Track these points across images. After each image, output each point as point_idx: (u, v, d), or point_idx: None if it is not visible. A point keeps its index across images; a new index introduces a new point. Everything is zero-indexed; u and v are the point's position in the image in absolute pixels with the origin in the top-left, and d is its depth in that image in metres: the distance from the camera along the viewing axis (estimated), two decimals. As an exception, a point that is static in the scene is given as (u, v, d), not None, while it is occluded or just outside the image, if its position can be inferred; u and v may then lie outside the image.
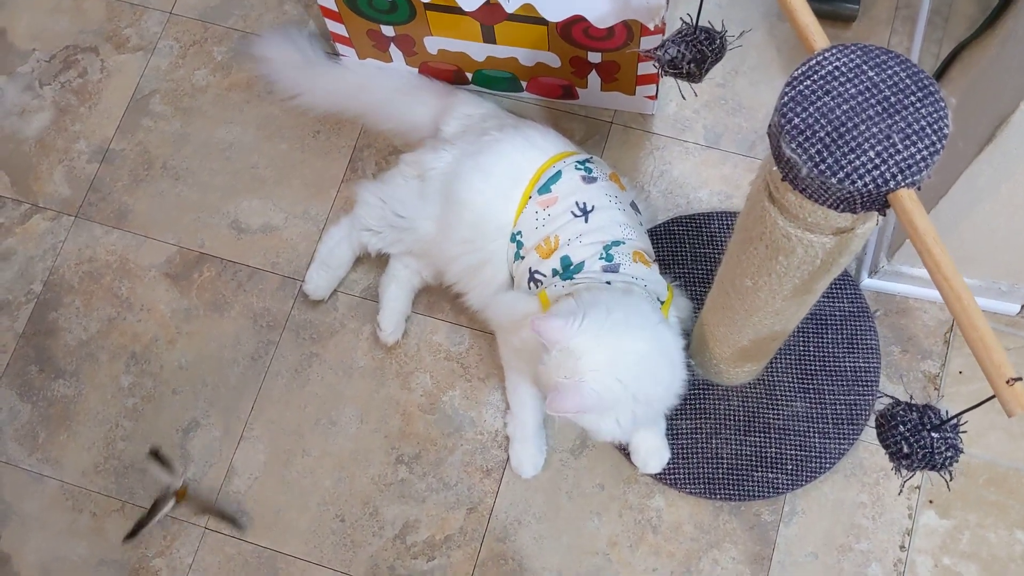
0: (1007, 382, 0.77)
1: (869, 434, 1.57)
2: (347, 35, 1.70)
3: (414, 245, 1.60)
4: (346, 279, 1.70)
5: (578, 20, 1.49)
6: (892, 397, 1.03)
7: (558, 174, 1.51)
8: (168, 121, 1.83)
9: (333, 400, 1.64)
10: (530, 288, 1.49)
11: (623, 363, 1.29)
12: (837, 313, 1.61)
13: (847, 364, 1.58)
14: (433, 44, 1.66)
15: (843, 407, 1.56)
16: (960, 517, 1.53)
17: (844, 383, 1.57)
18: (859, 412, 1.56)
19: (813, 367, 1.58)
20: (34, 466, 1.63)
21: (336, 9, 1.62)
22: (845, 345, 1.59)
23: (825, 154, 0.85)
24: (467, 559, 1.54)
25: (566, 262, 1.45)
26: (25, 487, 1.62)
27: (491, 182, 1.52)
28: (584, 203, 1.48)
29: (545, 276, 1.47)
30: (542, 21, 1.53)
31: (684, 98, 1.75)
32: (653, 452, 1.52)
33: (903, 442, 1.00)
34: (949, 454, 0.99)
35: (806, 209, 0.93)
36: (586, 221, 1.47)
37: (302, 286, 1.68)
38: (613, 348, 1.28)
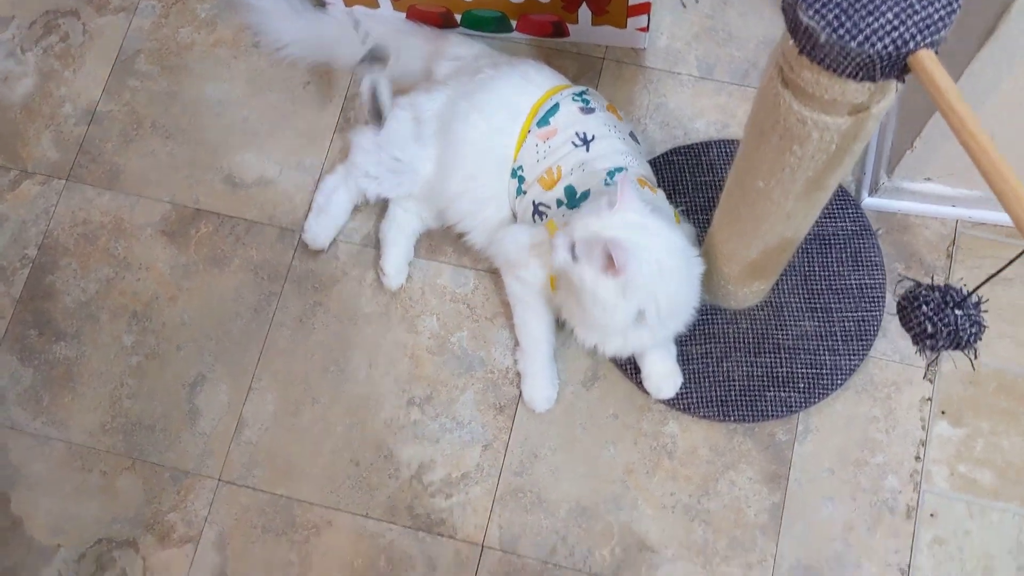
0: (1038, 226, 0.77)
1: (878, 349, 1.57)
2: (334, -21, 1.68)
3: (414, 188, 1.59)
4: (345, 228, 1.69)
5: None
6: (913, 280, 1.03)
7: (556, 107, 1.50)
8: (155, 80, 1.80)
9: (340, 347, 1.62)
10: (535, 221, 1.48)
11: (661, 246, 1.30)
12: (840, 233, 1.61)
13: (853, 282, 1.59)
14: (420, -15, 1.65)
15: (851, 324, 1.57)
16: (973, 425, 1.54)
17: (851, 300, 1.58)
18: (867, 328, 1.57)
19: (819, 287, 1.59)
20: (39, 429, 1.61)
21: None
22: (850, 263, 1.60)
23: (843, 18, 0.85)
24: (486, 494, 1.54)
25: (570, 191, 1.45)
26: (31, 450, 1.60)
27: (488, 119, 1.52)
28: (584, 133, 1.47)
29: (550, 207, 1.47)
30: (532, -49, 1.52)
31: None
32: (666, 376, 1.52)
33: (927, 322, 1.00)
34: (974, 330, 0.99)
35: (822, 85, 0.93)
36: (587, 150, 1.47)
37: (301, 236, 1.67)
38: (653, 231, 1.30)
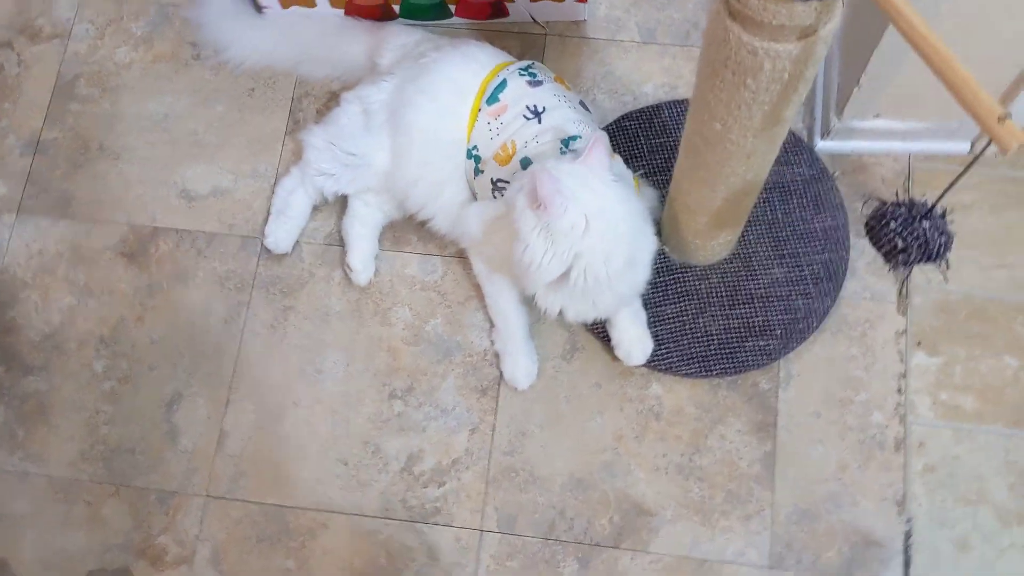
0: (998, 120, 0.77)
1: (849, 290, 1.59)
2: (267, -17, 1.67)
3: (371, 180, 1.58)
4: (307, 229, 1.67)
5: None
6: (879, 199, 1.04)
7: (503, 83, 1.50)
8: (97, 103, 1.77)
9: (315, 348, 1.61)
10: (495, 198, 1.48)
11: (601, 206, 1.30)
12: (798, 179, 1.63)
13: (816, 226, 1.60)
14: (358, -21, 1.64)
15: (820, 267, 1.58)
16: (949, 353, 1.56)
17: (817, 243, 1.59)
18: (836, 270, 1.58)
19: (784, 234, 1.60)
20: (16, 465, 1.57)
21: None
22: (812, 208, 1.61)
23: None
24: (478, 478, 1.52)
25: (526, 163, 1.44)
26: (11, 488, 1.56)
27: (437, 101, 1.51)
28: (535, 106, 1.47)
29: (508, 183, 1.46)
30: (464, -70, 1.52)
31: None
32: (635, 342, 1.52)
33: (897, 238, 1.01)
34: (943, 240, 1.01)
35: (770, 11, 0.93)
36: (539, 122, 1.46)
37: (263, 242, 1.65)
38: (601, 193, 1.31)
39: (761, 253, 1.59)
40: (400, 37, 1.68)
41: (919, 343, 1.57)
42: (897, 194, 1.02)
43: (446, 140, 1.51)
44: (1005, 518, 1.48)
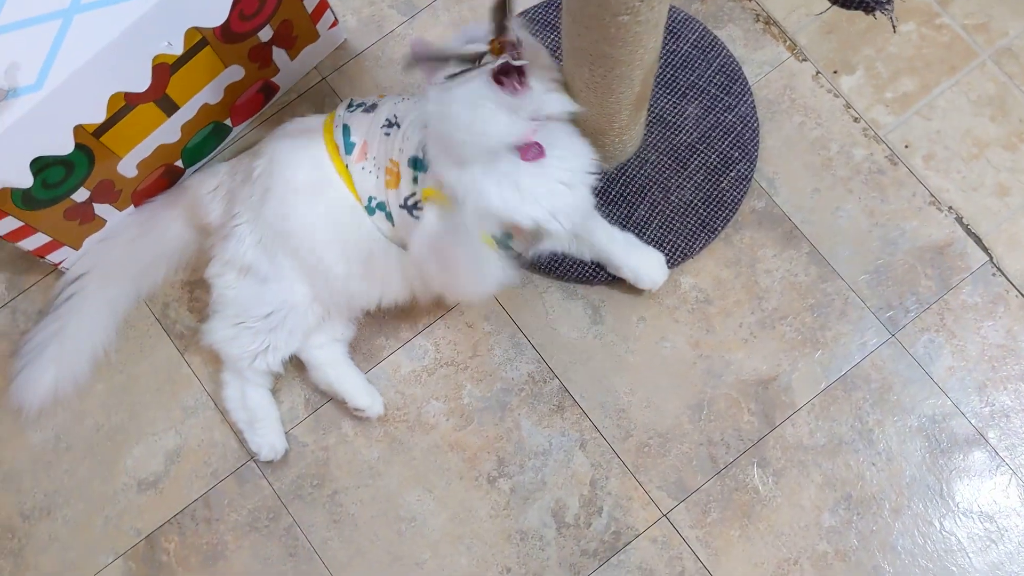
0: None
1: (752, 72, 1.56)
2: (48, 237, 1.42)
3: (305, 318, 1.41)
4: (284, 416, 1.48)
5: (233, 5, 1.30)
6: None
7: (345, 128, 1.36)
8: (-22, 483, 1.49)
9: (389, 505, 1.44)
10: (415, 216, 1.32)
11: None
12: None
13: (684, 48, 1.56)
14: (128, 166, 1.42)
15: (720, 77, 1.54)
16: (861, 59, 1.57)
17: (699, 64, 1.55)
18: (732, 70, 1.55)
19: (668, 75, 1.55)
20: None
21: (20, 224, 1.34)
22: (670, 37, 1.56)
23: None
24: (622, 478, 1.43)
25: (414, 161, 1.30)
26: None
27: (305, 189, 1.35)
28: (387, 120, 1.34)
29: (414, 192, 1.32)
30: (204, 42, 1.33)
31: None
32: (643, 267, 1.44)
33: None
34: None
35: None
36: (399, 126, 1.33)
37: (259, 459, 1.45)
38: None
39: (667, 113, 1.54)
40: (208, 183, 1.49)
41: (835, 71, 1.58)
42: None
43: (341, 214, 1.35)
44: (1008, 142, 1.53)
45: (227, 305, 1.43)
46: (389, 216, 1.34)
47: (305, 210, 1.35)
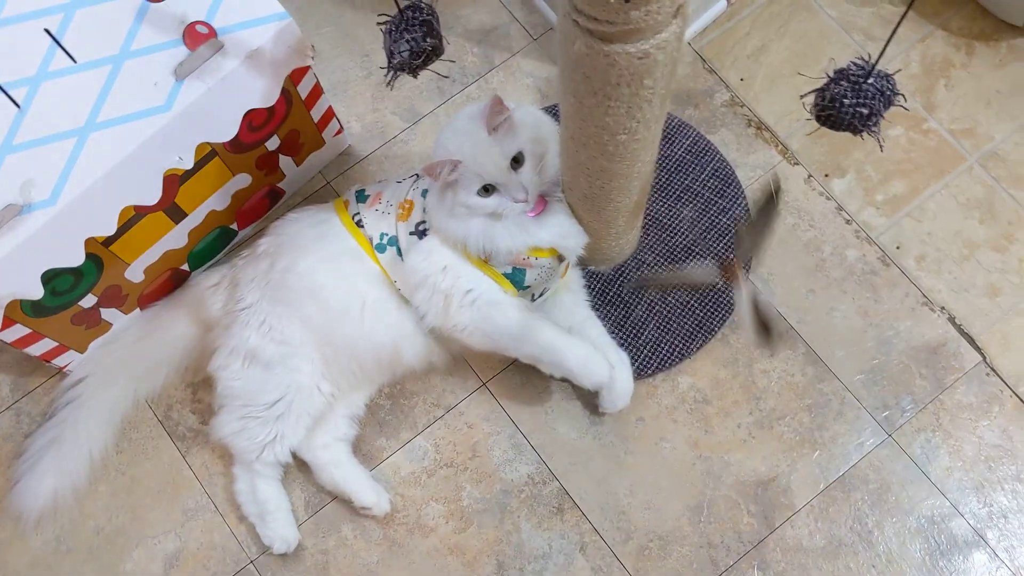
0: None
1: (743, 177, 1.61)
2: (55, 343, 1.44)
3: (312, 397, 1.42)
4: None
5: (242, 119, 1.34)
6: (813, 91, 1.04)
7: (360, 191, 1.43)
8: (-23, 587, 1.48)
9: (390, 608, 1.44)
10: (421, 236, 1.35)
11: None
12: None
13: (678, 152, 1.61)
14: (135, 272, 1.45)
15: (713, 181, 1.59)
16: (851, 163, 1.62)
17: (694, 167, 1.60)
18: (726, 173, 1.59)
19: (663, 178, 1.59)
20: None
21: (27, 331, 1.36)
22: (665, 142, 1.61)
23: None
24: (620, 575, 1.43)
25: (425, 192, 1.35)
26: None
27: (310, 244, 1.40)
28: (400, 181, 1.41)
29: (423, 220, 1.35)
30: (213, 153, 1.37)
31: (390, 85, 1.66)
32: (616, 390, 1.43)
33: (857, 109, 1.01)
34: (890, 84, 1.02)
35: (652, 10, 0.89)
36: (416, 179, 1.39)
37: (273, 551, 1.44)
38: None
39: (659, 207, 1.57)
40: (210, 278, 1.52)
41: (826, 175, 1.62)
42: (827, 75, 1.01)
43: (346, 261, 1.38)
44: (998, 244, 1.56)
45: (233, 397, 1.43)
46: (399, 250, 1.36)
47: (311, 261, 1.38)
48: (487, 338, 1.35)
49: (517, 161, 1.26)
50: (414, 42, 1.08)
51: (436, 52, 1.11)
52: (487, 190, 1.26)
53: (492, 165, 1.24)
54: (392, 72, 1.13)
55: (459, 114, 1.32)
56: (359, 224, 1.39)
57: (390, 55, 1.10)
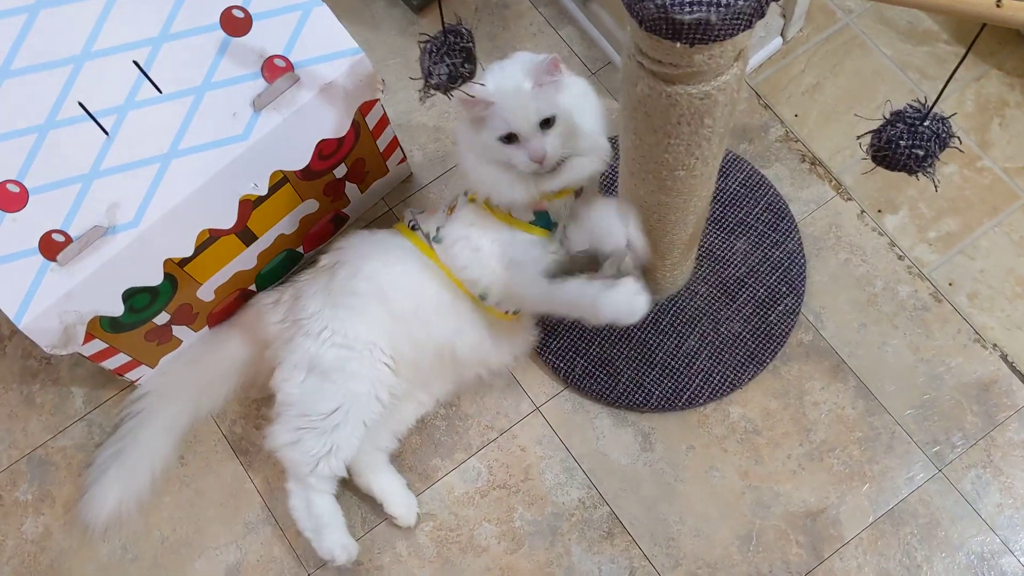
0: (996, 5, 0.81)
1: (799, 210, 1.63)
2: (129, 357, 1.51)
3: (369, 405, 1.45)
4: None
5: (314, 148, 1.40)
6: (869, 132, 1.06)
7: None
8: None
9: (441, 626, 1.47)
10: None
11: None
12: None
13: (732, 185, 1.64)
14: (207, 291, 1.51)
15: (767, 215, 1.62)
16: (905, 198, 1.64)
17: (747, 201, 1.63)
18: (779, 207, 1.62)
19: (718, 212, 1.62)
20: None
21: (104, 346, 1.43)
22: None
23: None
24: (674, 607, 1.45)
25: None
26: None
27: (373, 251, 1.46)
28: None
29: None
30: (284, 180, 1.43)
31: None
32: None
33: (913, 151, 1.04)
34: (946, 127, 1.04)
35: (715, 56, 0.93)
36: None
37: (332, 563, 1.47)
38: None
39: (713, 240, 1.61)
40: (271, 295, 1.57)
41: (879, 211, 1.64)
42: (884, 116, 1.04)
43: (409, 262, 1.44)
44: (1052, 284, 1.57)
45: (291, 406, 1.46)
46: (434, 240, 1.44)
47: (375, 265, 1.44)
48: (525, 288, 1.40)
49: (548, 123, 1.28)
50: (453, 67, 1.10)
51: (471, 77, 1.15)
52: (509, 139, 1.29)
53: (523, 117, 1.26)
54: (427, 89, 1.16)
55: (516, 56, 1.33)
56: (413, 228, 1.46)
57: (428, 74, 1.12)
